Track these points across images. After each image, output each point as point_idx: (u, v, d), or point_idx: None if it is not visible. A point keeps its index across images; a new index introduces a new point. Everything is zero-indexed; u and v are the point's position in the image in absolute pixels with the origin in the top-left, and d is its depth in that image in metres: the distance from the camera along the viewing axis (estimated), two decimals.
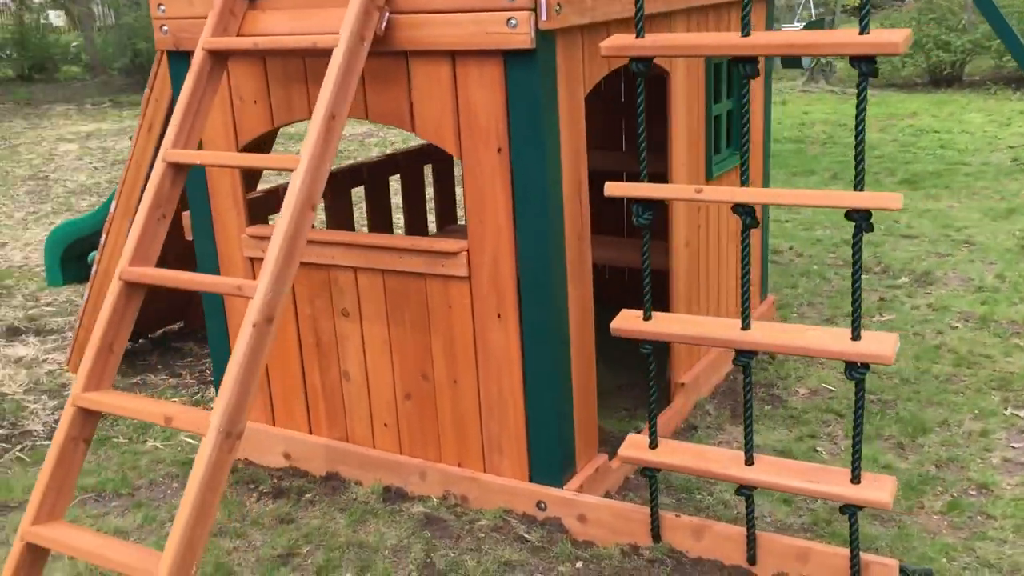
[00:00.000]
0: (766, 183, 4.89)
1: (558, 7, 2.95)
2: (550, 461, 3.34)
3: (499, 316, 3.27)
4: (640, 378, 4.35)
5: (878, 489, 2.77)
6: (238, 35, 3.32)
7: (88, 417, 2.97)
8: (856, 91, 2.62)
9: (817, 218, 7.23)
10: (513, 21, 2.93)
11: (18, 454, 4.11)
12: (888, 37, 2.49)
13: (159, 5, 3.56)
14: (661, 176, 3.80)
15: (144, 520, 3.54)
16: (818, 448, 3.85)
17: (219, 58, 3.24)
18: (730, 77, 4.38)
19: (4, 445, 4.19)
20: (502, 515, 3.39)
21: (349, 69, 2.96)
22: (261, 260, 3.57)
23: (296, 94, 3.43)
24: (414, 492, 3.59)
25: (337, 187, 4.40)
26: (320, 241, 3.51)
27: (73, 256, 6.28)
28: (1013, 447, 3.82)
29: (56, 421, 4.40)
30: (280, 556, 3.26)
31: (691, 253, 4.11)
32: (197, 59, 3.19)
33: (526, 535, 3.29)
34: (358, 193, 4.64)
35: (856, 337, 2.72)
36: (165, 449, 4.09)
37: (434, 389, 3.48)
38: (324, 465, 3.78)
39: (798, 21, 17.57)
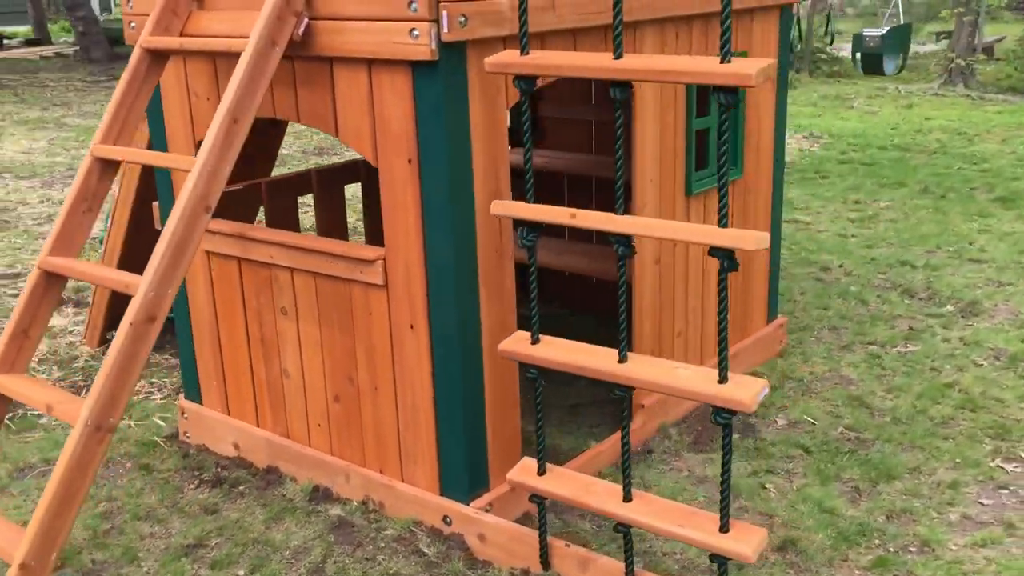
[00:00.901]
0: (777, 200, 4.66)
1: (463, 19, 2.88)
2: (457, 476, 3.30)
3: (412, 327, 3.24)
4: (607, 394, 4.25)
5: (742, 542, 2.61)
6: (181, 34, 3.38)
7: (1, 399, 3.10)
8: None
9: (887, 234, 6.85)
10: (415, 32, 2.88)
11: (7, 421, 4.33)
12: (740, 68, 2.33)
13: (128, 0, 3.66)
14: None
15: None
16: (767, 485, 3.66)
17: (156, 56, 3.32)
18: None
19: None
20: (410, 526, 3.37)
21: (255, 73, 2.98)
22: (219, 255, 3.66)
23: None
24: (339, 494, 3.61)
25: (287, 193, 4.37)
26: (261, 240, 3.56)
27: None
28: (981, 503, 3.53)
29: None
30: (187, 546, 3.34)
31: (664, 271, 3.96)
32: (133, 57, 3.28)
33: (425, 549, 3.26)
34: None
35: (722, 380, 2.56)
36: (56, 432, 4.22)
37: (358, 393, 3.48)
38: (266, 458, 3.84)
39: (886, 26, 16.63)
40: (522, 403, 3.44)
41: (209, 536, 3.40)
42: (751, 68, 2.31)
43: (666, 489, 3.63)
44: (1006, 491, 3.60)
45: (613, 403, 4.06)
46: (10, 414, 4.39)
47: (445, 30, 2.86)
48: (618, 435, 3.81)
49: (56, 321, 5.54)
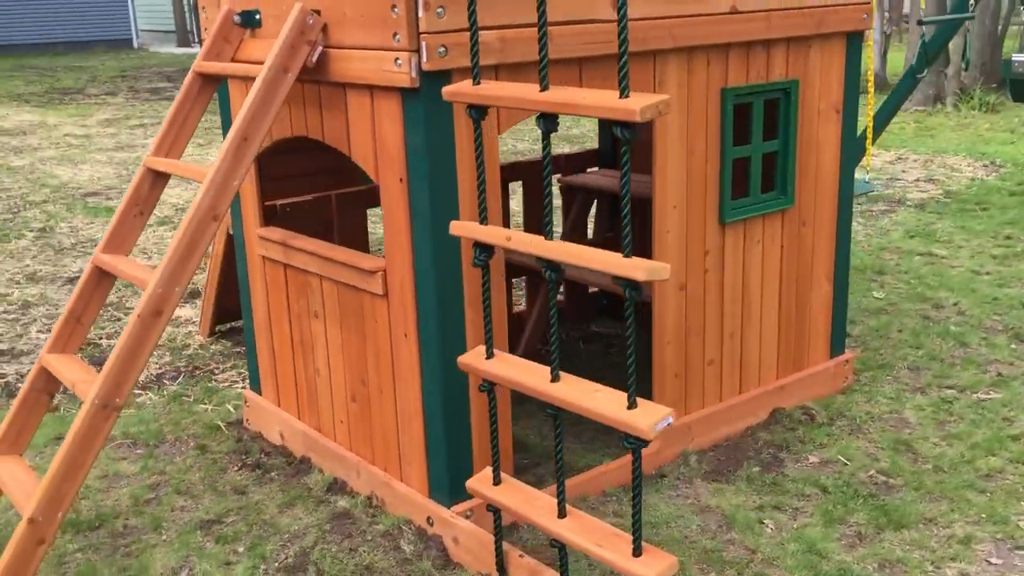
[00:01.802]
0: (843, 233, 4.53)
1: (443, 50, 3.06)
2: (440, 480, 3.48)
3: (405, 335, 3.45)
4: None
5: (649, 567, 2.65)
6: (232, 59, 3.75)
7: (50, 375, 3.55)
8: None
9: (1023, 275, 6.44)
10: (399, 61, 3.09)
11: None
12: (627, 104, 2.38)
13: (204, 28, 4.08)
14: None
15: None
16: (767, 520, 3.61)
17: (207, 80, 3.69)
18: (773, 116, 4.15)
19: None
20: (400, 523, 3.57)
21: (267, 97, 3.29)
22: (271, 260, 4.02)
23: (280, 113, 3.81)
24: (352, 488, 3.87)
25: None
26: (298, 248, 3.87)
27: None
28: (989, 561, 3.35)
29: (158, 376, 5.15)
30: (206, 521, 3.69)
31: (691, 297, 3.98)
32: (187, 78, 3.67)
33: (405, 547, 3.45)
34: None
35: (631, 405, 2.62)
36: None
37: (369, 395, 3.72)
38: (302, 449, 4.15)
39: None
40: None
41: (228, 514, 3.73)
42: (637, 104, 2.37)
43: (662, 515, 3.65)
44: (1022, 552, 3.39)
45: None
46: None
47: (424, 60, 3.05)
48: (628, 457, 3.88)
49: (182, 312, 6.11)
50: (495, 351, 3.04)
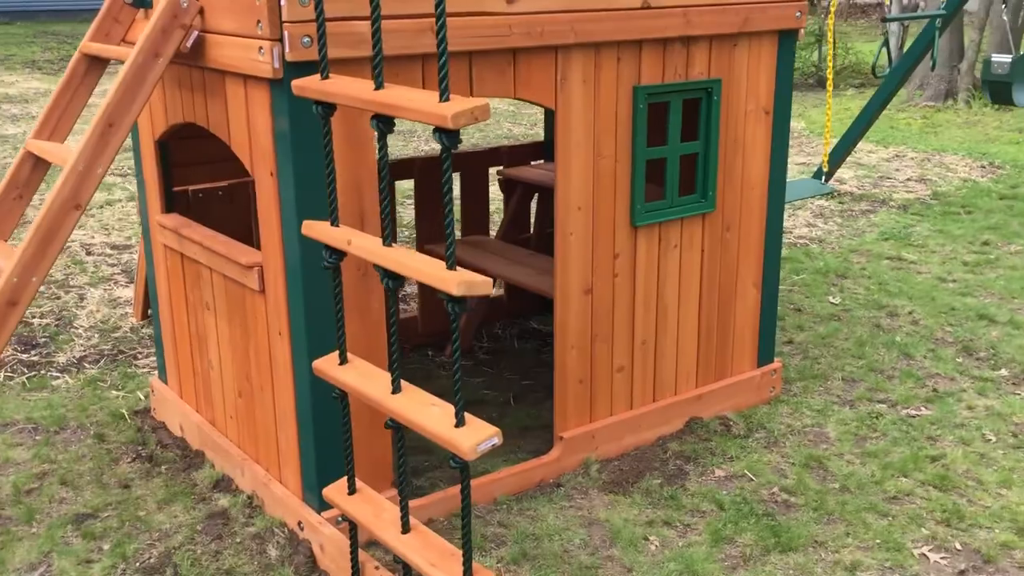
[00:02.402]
0: (772, 240, 4.36)
1: (307, 40, 2.93)
2: (311, 484, 3.37)
3: (280, 334, 3.34)
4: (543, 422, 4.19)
5: None
6: (121, 41, 3.63)
7: None
8: None
9: (993, 284, 6.22)
10: (262, 50, 2.97)
11: (24, 380, 4.80)
12: (441, 109, 2.25)
13: None
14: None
15: None
16: (652, 536, 3.48)
17: (92, 61, 3.58)
18: (694, 117, 3.99)
19: (24, 367, 4.91)
20: (274, 526, 3.48)
21: (134, 82, 3.17)
22: (170, 248, 3.92)
23: (170, 98, 3.70)
24: (237, 486, 3.77)
25: None
26: (188, 237, 3.76)
27: None
28: None
29: (79, 359, 5.07)
30: (80, 515, 3.61)
31: (599, 302, 3.84)
32: (73, 59, 3.56)
33: (272, 551, 3.36)
34: None
35: (459, 423, 2.49)
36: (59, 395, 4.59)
37: (252, 392, 3.62)
38: (197, 442, 4.06)
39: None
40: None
41: (105, 508, 3.65)
42: (450, 110, 2.23)
43: (547, 527, 3.53)
44: None
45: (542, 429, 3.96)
46: (30, 373, 4.87)
47: (288, 50, 2.93)
48: (526, 465, 3.77)
49: (122, 292, 6.03)
50: (351, 357, 2.92)
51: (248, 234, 4.45)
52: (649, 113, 3.81)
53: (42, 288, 6.08)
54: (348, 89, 2.62)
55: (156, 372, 4.85)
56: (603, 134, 3.70)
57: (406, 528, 2.81)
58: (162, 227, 3.96)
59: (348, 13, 2.99)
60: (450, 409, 2.56)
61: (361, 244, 2.63)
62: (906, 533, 3.51)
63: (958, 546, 3.45)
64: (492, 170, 5.46)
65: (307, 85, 2.75)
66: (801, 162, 9.99)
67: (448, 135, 2.29)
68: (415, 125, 11.14)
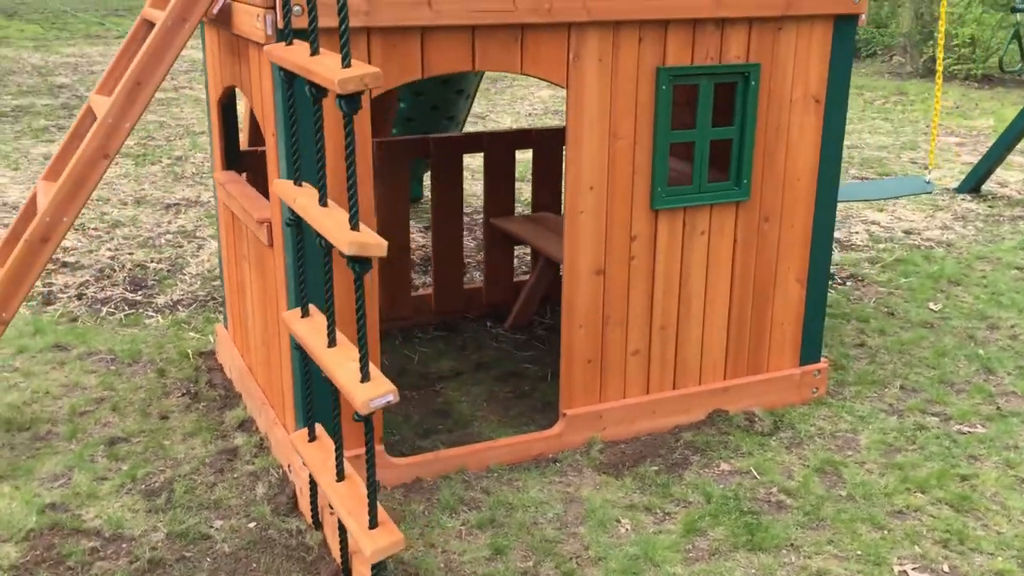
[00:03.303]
0: (821, 235, 4.19)
1: (298, 9, 3.09)
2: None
3: (285, 287, 3.55)
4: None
5: (373, 539, 2.65)
6: None
7: None
8: None
9: None
10: (259, 17, 3.16)
11: (122, 316, 5.28)
12: (335, 74, 2.33)
13: None
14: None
15: None
16: (627, 520, 3.48)
17: (150, 26, 3.90)
18: (730, 100, 3.91)
19: (127, 305, 5.39)
20: (271, 467, 3.71)
21: (162, 44, 3.45)
22: (223, 203, 4.23)
23: (223, 62, 3.97)
24: (258, 427, 4.04)
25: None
26: (230, 192, 4.03)
27: None
28: None
29: (175, 302, 5.51)
30: (114, 438, 3.97)
31: (612, 284, 3.85)
32: (135, 23, 3.90)
33: (261, 488, 3.59)
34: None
35: (364, 379, 2.60)
36: None
37: (270, 340, 3.86)
38: (239, 384, 4.37)
39: None
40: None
41: (138, 435, 4.00)
42: (338, 75, 2.33)
43: (526, 499, 3.59)
44: None
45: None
46: (129, 311, 5.34)
47: (279, 18, 3.10)
48: (525, 436, 3.85)
49: None
50: (313, 311, 3.09)
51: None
52: (690, 94, 3.76)
53: (168, 236, 6.63)
54: (292, 55, 2.77)
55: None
56: (621, 115, 3.69)
57: (340, 476, 2.95)
58: (218, 183, 4.26)
59: None
60: (350, 368, 2.68)
61: (302, 202, 2.77)
62: (895, 549, 3.35)
63: (946, 568, 3.25)
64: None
65: (272, 51, 2.92)
66: (970, 161, 9.38)
67: (344, 100, 2.39)
68: (485, 108, 11.21)
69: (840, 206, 7.71)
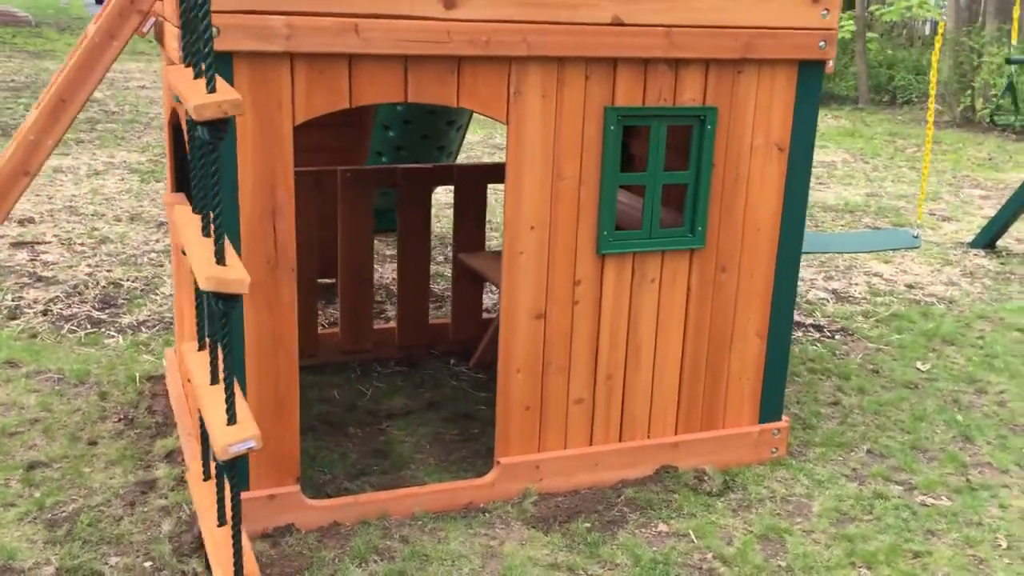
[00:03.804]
0: (784, 287, 3.99)
1: (215, 30, 2.99)
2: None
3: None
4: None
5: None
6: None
7: None
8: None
9: None
10: (177, 39, 3.06)
11: (83, 335, 5.21)
12: (194, 100, 2.21)
13: None
14: None
15: None
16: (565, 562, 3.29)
17: None
18: (680, 142, 3.75)
19: (91, 323, 5.32)
20: (184, 502, 3.57)
21: (88, 62, 3.37)
22: (171, 226, 4.12)
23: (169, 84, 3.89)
24: (183, 457, 3.90)
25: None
26: (172, 218, 3.93)
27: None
28: None
29: (139, 323, 5.43)
30: (35, 463, 3.86)
31: (553, 329, 3.68)
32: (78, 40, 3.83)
33: (167, 525, 3.45)
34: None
35: (230, 421, 2.46)
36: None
37: None
38: (177, 412, 4.25)
39: None
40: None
41: (60, 461, 3.89)
42: (196, 101, 2.20)
43: (445, 552, 3.42)
44: None
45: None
46: (92, 330, 5.27)
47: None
48: (455, 484, 3.69)
49: None
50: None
51: (332, 221, 4.64)
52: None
53: (152, 254, 6.58)
54: (178, 78, 2.65)
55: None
56: (566, 154, 3.54)
57: (221, 521, 2.80)
58: (166, 205, 4.17)
59: (259, 6, 3.03)
60: (240, 408, 2.54)
61: (187, 230, 2.65)
62: None
63: None
64: None
65: (168, 72, 2.81)
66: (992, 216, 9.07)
67: (206, 128, 2.27)
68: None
69: (843, 257, 7.48)
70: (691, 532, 3.62)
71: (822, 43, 3.73)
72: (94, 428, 4.17)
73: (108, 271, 6.22)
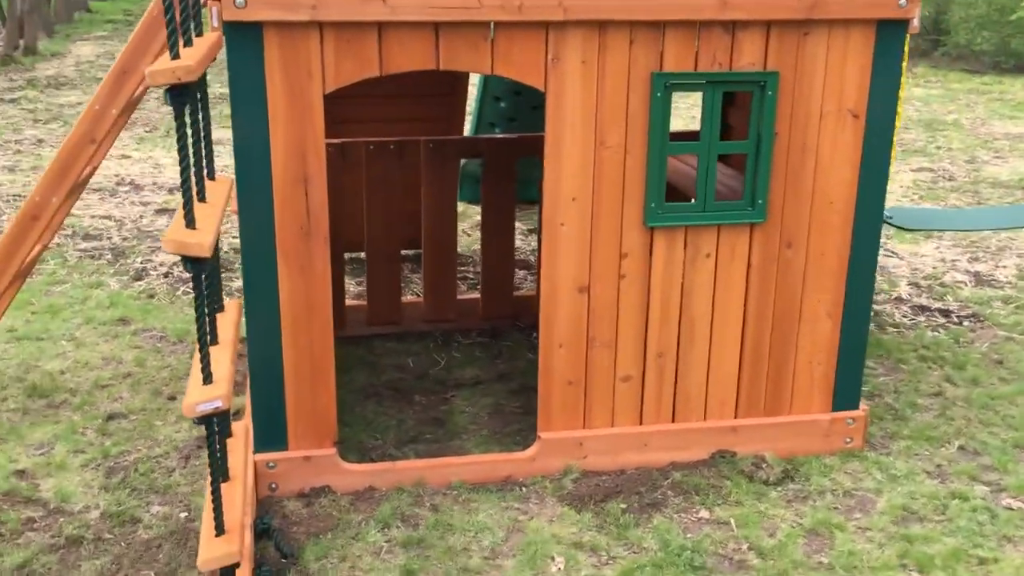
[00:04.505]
0: (860, 268, 3.71)
1: (241, 1, 3.06)
2: (255, 429, 3.54)
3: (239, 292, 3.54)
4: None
5: (210, 549, 2.57)
6: None
7: None
8: None
9: None
10: (212, 10, 3.15)
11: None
12: (152, 67, 2.24)
13: None
14: None
15: None
16: (560, 558, 3.22)
17: None
18: (735, 109, 3.55)
19: None
20: None
21: (147, 35, 3.52)
22: None
23: None
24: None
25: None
26: None
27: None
28: None
29: None
30: (114, 414, 4.10)
31: (598, 303, 3.59)
32: None
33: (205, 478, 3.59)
34: None
35: (205, 380, 2.52)
36: None
37: None
38: None
39: None
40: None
41: (137, 413, 4.12)
42: (151, 68, 2.24)
43: (471, 523, 3.41)
44: None
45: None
46: None
47: (223, 10, 3.08)
48: (495, 456, 3.69)
49: None
50: (230, 304, 3.05)
51: (416, 189, 4.71)
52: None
53: None
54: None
55: None
56: (609, 122, 3.41)
57: (214, 477, 2.88)
58: None
59: None
60: (223, 369, 2.60)
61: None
62: None
63: None
64: None
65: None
66: None
67: (168, 93, 2.31)
68: None
69: (998, 236, 6.90)
70: (732, 520, 3.45)
71: (902, 1, 3.43)
72: (178, 384, 4.38)
73: (234, 237, 6.51)
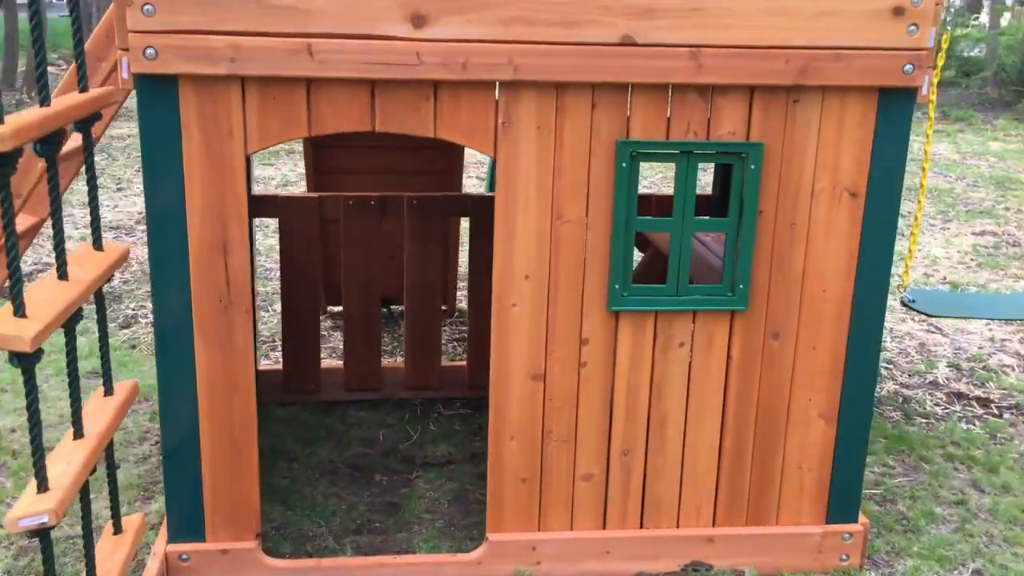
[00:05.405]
0: (859, 364, 3.28)
1: (152, 52, 2.78)
2: (169, 518, 3.24)
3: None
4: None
5: None
6: None
7: None
8: None
9: None
10: (121, 60, 2.89)
11: None
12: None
13: None
14: None
15: None
16: None
17: None
18: (723, 178, 3.16)
19: None
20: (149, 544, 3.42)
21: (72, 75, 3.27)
22: None
23: None
24: None
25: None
26: None
27: None
28: None
29: None
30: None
31: (555, 391, 3.21)
32: None
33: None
34: None
35: (41, 490, 2.21)
36: None
37: None
38: None
39: None
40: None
41: None
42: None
43: None
44: None
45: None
46: None
47: (131, 61, 2.81)
48: (437, 557, 3.35)
49: None
50: (118, 387, 2.76)
51: (398, 245, 4.47)
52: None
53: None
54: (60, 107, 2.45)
55: None
56: (568, 194, 3.05)
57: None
58: None
59: (202, 26, 2.78)
60: (63, 474, 2.29)
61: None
62: None
63: None
64: None
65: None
66: None
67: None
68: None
69: None
70: None
71: (908, 66, 3.01)
72: (122, 451, 4.11)
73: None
